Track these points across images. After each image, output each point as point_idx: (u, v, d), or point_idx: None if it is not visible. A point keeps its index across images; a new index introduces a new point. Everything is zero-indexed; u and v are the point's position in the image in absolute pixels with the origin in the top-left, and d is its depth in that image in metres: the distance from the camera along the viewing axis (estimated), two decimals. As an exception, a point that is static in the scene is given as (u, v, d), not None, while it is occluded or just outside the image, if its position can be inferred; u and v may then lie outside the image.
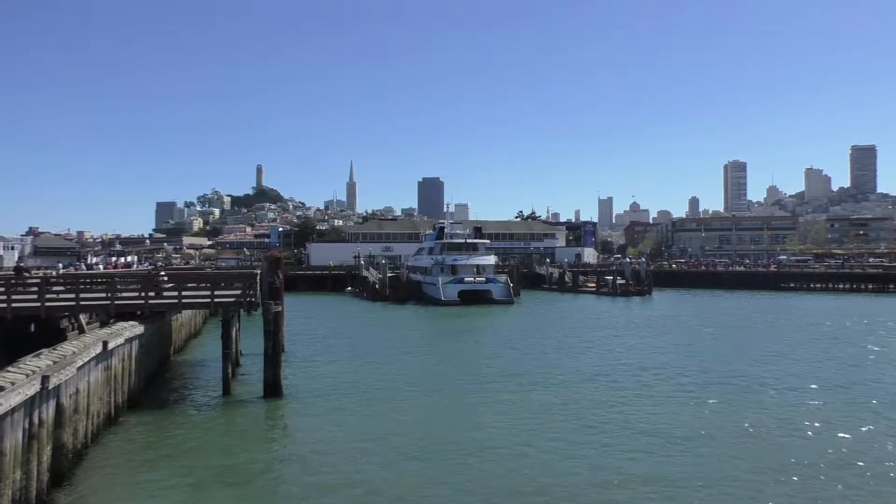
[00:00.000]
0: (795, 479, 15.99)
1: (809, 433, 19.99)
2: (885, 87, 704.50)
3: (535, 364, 33.08)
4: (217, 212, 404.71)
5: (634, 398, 24.98)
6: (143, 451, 18.56)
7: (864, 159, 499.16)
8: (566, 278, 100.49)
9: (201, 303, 29.56)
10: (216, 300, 27.57)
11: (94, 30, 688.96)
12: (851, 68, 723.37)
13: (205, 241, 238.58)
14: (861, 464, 17.05)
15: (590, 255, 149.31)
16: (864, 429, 20.35)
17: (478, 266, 77.70)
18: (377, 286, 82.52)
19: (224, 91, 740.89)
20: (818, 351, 37.19)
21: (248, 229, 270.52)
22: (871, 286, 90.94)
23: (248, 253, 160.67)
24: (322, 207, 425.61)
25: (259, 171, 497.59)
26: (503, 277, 77.76)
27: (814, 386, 26.93)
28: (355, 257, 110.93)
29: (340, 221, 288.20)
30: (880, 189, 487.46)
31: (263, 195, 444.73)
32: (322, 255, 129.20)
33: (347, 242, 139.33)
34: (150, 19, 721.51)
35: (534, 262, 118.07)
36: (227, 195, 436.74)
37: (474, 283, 75.10)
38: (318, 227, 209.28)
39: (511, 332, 48.33)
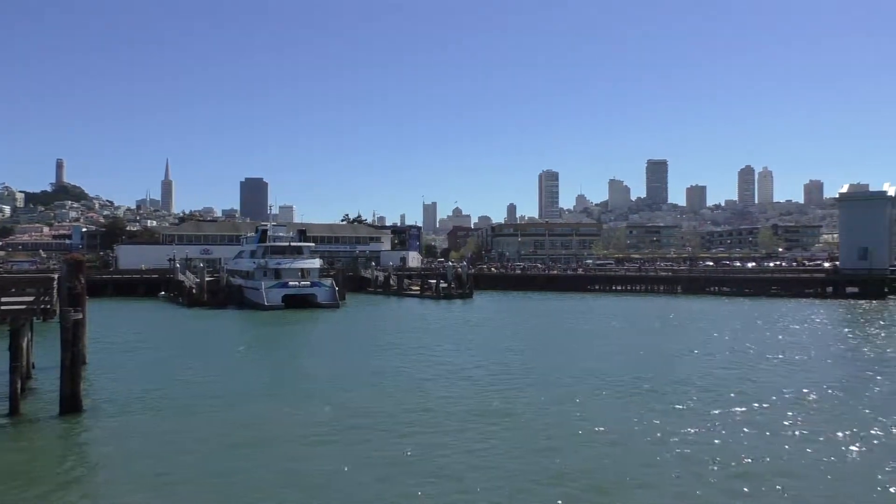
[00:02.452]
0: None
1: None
2: (675, 106, 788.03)
3: (352, 367, 33.19)
4: (7, 209, 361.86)
5: (435, 396, 25.96)
6: None
7: (657, 172, 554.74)
8: (391, 282, 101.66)
9: (-16, 311, 26.31)
10: (3, 308, 24.72)
11: None
12: (647, 87, 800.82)
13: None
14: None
15: (414, 259, 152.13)
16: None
17: (302, 270, 76.36)
18: (194, 291, 78.26)
19: (16, 74, 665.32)
20: (599, 346, 40.88)
21: (46, 229, 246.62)
22: (662, 288, 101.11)
23: (44, 255, 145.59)
24: (133, 207, 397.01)
25: (59, 165, 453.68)
26: (328, 281, 77.03)
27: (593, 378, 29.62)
28: (170, 260, 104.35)
29: (154, 222, 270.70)
30: (671, 199, 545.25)
31: (64, 192, 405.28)
32: (133, 257, 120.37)
33: (162, 244, 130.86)
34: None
35: (359, 265, 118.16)
36: (21, 191, 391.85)
37: (299, 286, 73.74)
38: (128, 228, 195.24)
39: (335, 336, 48.07)
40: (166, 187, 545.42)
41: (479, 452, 18.60)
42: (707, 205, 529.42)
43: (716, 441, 19.59)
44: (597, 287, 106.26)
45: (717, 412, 22.99)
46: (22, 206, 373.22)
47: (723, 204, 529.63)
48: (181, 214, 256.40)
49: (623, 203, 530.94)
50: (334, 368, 33.13)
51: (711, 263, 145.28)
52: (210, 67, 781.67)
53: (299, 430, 21.20)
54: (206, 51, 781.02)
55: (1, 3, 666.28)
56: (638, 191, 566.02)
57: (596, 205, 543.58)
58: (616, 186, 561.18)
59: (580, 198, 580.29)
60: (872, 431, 20.61)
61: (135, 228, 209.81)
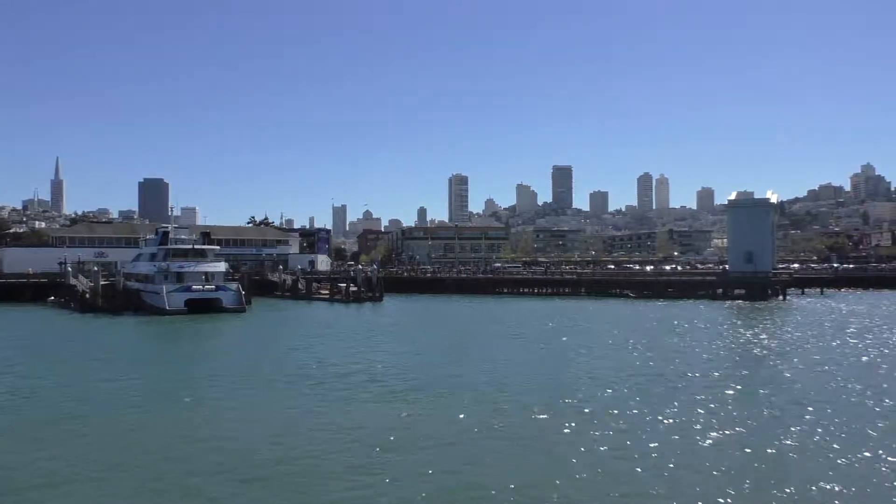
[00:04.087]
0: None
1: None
2: (580, 113, 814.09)
3: (247, 372, 32.53)
4: None
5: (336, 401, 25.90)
6: None
7: (562, 178, 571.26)
8: (300, 285, 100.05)
9: None
10: None
11: None
12: (551, 93, 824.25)
13: None
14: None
15: (324, 262, 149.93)
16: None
17: (206, 273, 74.05)
18: (87, 295, 74.36)
19: None
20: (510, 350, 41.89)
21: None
22: (567, 290, 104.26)
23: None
24: (19, 207, 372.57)
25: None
26: (234, 285, 74.96)
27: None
28: (61, 263, 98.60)
29: (43, 223, 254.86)
30: (576, 204, 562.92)
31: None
32: (18, 260, 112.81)
33: (51, 247, 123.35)
34: None
35: (266, 268, 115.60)
36: None
37: (203, 290, 71.41)
38: (14, 230, 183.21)
39: (237, 341, 46.95)
40: (56, 187, 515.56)
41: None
42: (609, 210, 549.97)
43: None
44: (505, 290, 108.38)
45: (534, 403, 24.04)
46: None
47: (623, 209, 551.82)
48: (73, 216, 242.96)
49: (530, 207, 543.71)
50: (227, 374, 32.19)
51: (613, 266, 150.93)
52: (106, 58, 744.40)
53: (180, 438, 20.62)
54: (100, 40, 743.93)
55: None
56: (544, 196, 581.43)
57: (504, 209, 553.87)
58: (523, 191, 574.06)
59: (489, 202, 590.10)
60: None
61: (21, 230, 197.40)
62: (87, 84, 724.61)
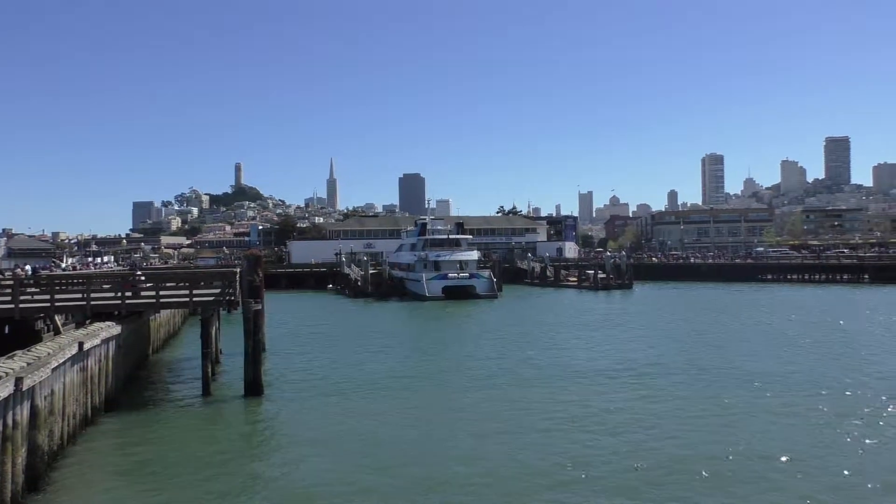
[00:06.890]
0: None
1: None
2: (858, 79, 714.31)
3: (520, 362, 33.13)
4: (195, 211, 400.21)
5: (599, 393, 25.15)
6: (121, 453, 18.34)
7: (837, 151, 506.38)
8: (548, 272, 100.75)
9: (180, 302, 29.10)
10: (195, 299, 27.17)
11: (64, 24, 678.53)
12: (825, 60, 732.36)
13: (183, 241, 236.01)
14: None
15: (571, 250, 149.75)
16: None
17: (461, 262, 77.65)
18: (359, 283, 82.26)
19: (201, 88, 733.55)
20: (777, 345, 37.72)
21: (228, 228, 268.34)
22: (846, 276, 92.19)
23: (227, 252, 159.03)
24: (302, 205, 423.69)
25: (238, 169, 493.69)
26: (486, 272, 77.77)
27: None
28: (336, 254, 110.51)
29: (321, 219, 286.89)
30: (854, 180, 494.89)
31: (242, 194, 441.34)
32: (303, 252, 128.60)
33: (328, 240, 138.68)
34: (123, 13, 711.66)
35: (515, 256, 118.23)
36: (206, 194, 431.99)
37: (458, 278, 75.07)
38: (298, 225, 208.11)
39: (497, 327, 48.30)
40: (331, 186, 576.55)
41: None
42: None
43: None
44: (769, 277, 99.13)
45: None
46: (207, 207, 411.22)
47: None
48: (345, 211, 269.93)
49: (798, 186, 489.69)
50: (491, 358, 33.30)
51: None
52: (369, 69, 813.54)
53: (460, 415, 21.59)
54: (366, 55, 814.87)
55: (187, 22, 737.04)
56: (815, 172, 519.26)
57: (766, 188, 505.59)
58: (789, 168, 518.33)
59: (748, 182, 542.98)
60: None
61: (304, 225, 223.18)
62: (351, 91, 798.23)
